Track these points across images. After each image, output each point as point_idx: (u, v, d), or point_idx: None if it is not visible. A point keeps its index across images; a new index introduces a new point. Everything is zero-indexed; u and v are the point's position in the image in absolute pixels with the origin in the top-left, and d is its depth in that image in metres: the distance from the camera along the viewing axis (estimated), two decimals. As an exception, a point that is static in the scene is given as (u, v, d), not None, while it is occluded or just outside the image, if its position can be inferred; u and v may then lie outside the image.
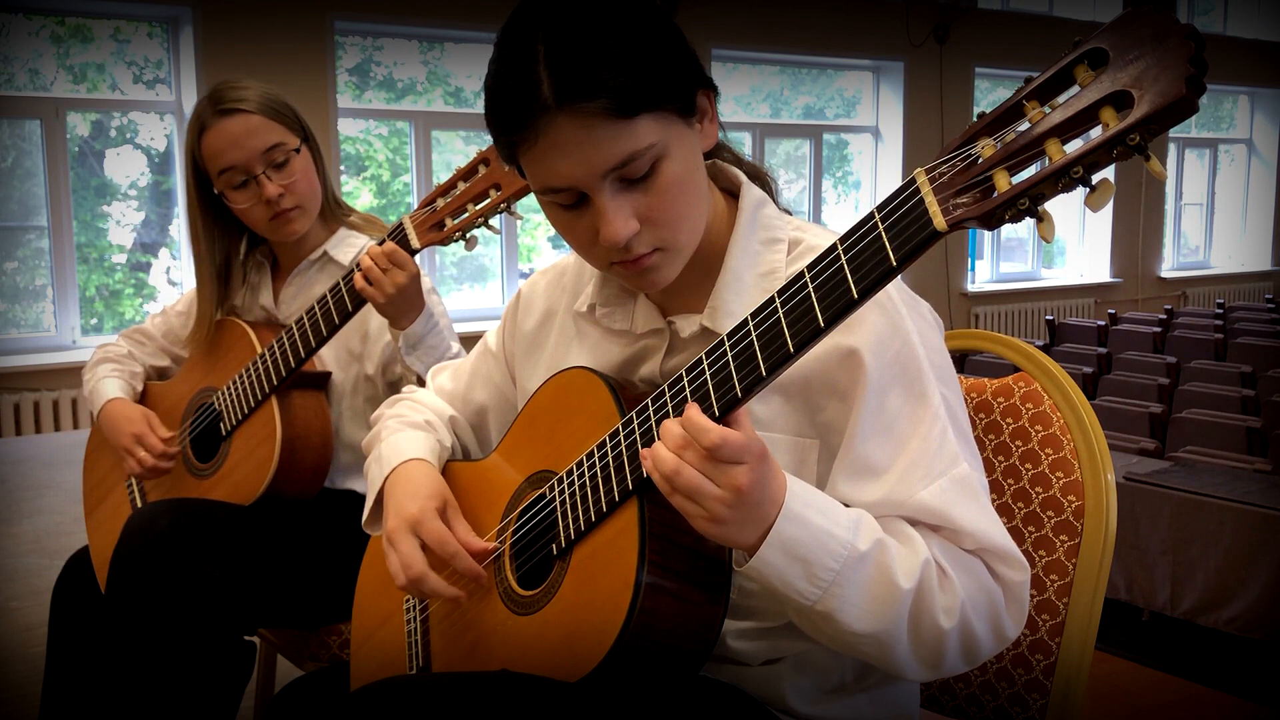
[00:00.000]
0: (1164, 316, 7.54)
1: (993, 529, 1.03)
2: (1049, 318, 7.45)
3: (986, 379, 1.33)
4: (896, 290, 1.06)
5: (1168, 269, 11.01)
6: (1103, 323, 7.16)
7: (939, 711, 1.33)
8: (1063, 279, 10.28)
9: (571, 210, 1.05)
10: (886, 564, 0.98)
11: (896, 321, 1.04)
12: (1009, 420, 1.28)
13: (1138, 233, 10.42)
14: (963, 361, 5.31)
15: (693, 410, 0.95)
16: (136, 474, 1.89)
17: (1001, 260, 9.90)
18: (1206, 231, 11.70)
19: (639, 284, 1.10)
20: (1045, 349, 6.28)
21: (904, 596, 0.97)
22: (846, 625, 0.97)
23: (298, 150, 1.82)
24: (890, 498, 1.03)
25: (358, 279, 1.67)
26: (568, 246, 1.12)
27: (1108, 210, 9.88)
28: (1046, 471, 1.24)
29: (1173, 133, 10.58)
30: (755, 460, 0.93)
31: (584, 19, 0.99)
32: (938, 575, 1.00)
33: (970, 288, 9.32)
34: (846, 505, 1.05)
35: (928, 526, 1.03)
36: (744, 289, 1.11)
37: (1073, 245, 10.40)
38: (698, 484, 0.93)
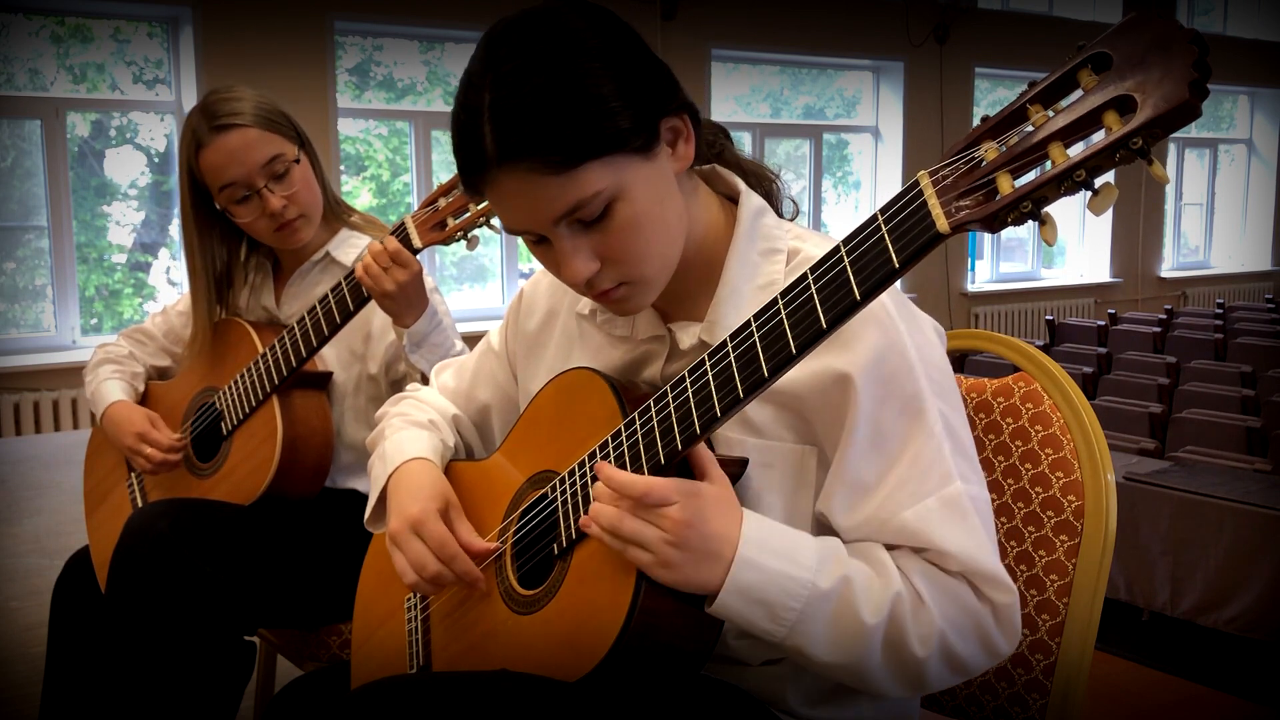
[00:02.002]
0: (1164, 316, 7.54)
1: (978, 552, 1.02)
2: (1049, 318, 7.45)
3: (986, 379, 1.33)
4: (895, 305, 1.06)
5: (1168, 269, 11.01)
6: (1103, 323, 7.16)
7: (939, 711, 1.33)
8: (1063, 279, 10.28)
9: (539, 246, 1.07)
10: (851, 600, 0.99)
11: (893, 337, 1.03)
12: (1009, 420, 1.28)
13: (1138, 233, 10.42)
14: (963, 361, 5.31)
15: (606, 469, 1.00)
16: (146, 470, 1.89)
17: (1001, 260, 9.90)
18: (1206, 231, 11.70)
19: (614, 311, 1.11)
20: (1045, 349, 6.28)
21: (870, 632, 0.99)
22: (816, 658, 1.00)
23: (297, 160, 1.82)
24: (875, 516, 1.03)
25: (358, 269, 1.67)
26: None
27: (1104, 213, 9.87)
28: (1046, 471, 1.24)
29: (1171, 134, 10.57)
30: (685, 498, 0.97)
31: (532, 68, 0.97)
32: (912, 604, 1.00)
33: (970, 288, 9.32)
34: (835, 521, 1.06)
35: (910, 549, 1.03)
36: (742, 302, 1.11)
37: (1073, 245, 10.40)
38: (639, 530, 0.97)
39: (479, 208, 1.65)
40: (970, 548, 1.01)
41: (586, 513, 1.07)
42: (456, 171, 1.60)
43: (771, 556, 0.98)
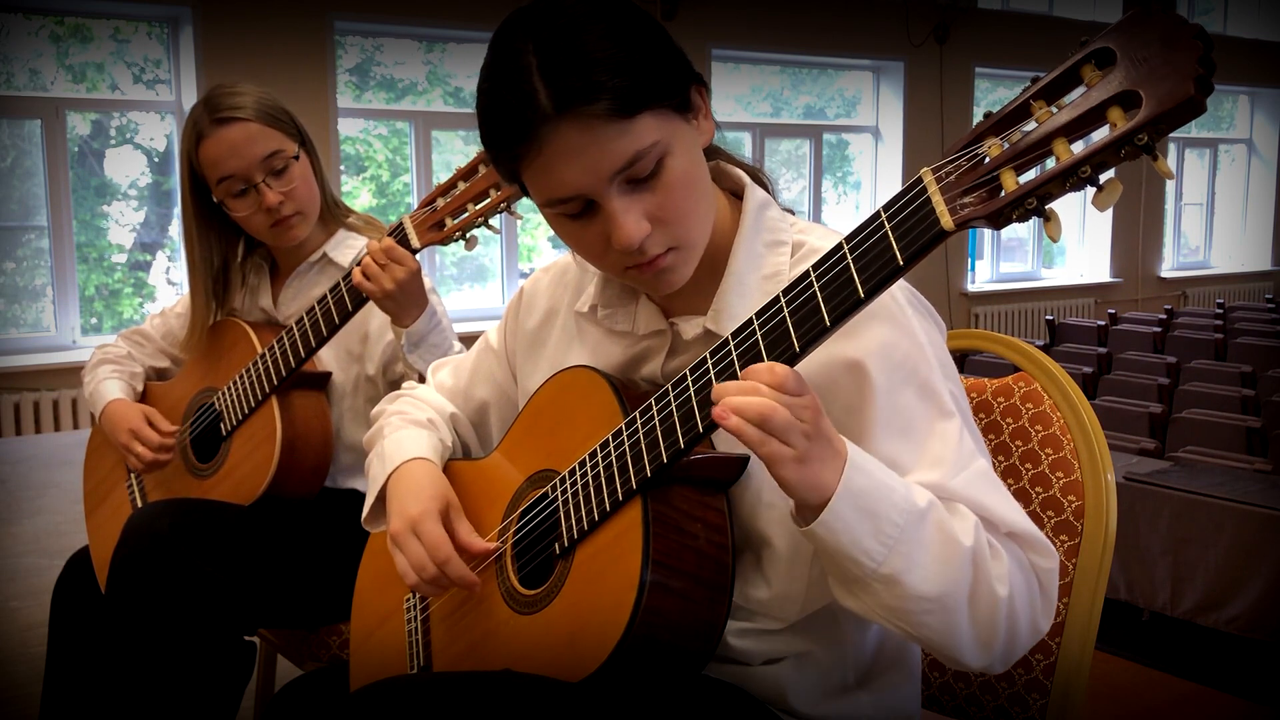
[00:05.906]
0: (1164, 316, 7.54)
1: (1020, 517, 1.02)
2: (1049, 318, 7.45)
3: (986, 379, 1.33)
4: (899, 288, 1.06)
5: (1168, 269, 11.01)
6: (1103, 323, 7.16)
7: (939, 711, 1.33)
8: (1063, 279, 10.28)
9: (579, 220, 1.05)
10: (945, 521, 0.97)
11: (902, 322, 1.04)
12: (1009, 420, 1.28)
13: (1138, 233, 10.42)
14: (963, 361, 5.31)
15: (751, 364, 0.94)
16: (137, 469, 1.89)
17: (1002, 260, 9.90)
18: (1206, 231, 11.70)
19: (655, 286, 1.09)
20: (1045, 349, 6.28)
21: (965, 554, 0.96)
22: (912, 587, 0.94)
23: (296, 157, 1.82)
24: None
25: (355, 273, 1.67)
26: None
27: (1108, 209, 9.87)
28: (1046, 471, 1.24)
29: (1173, 132, 10.55)
30: (812, 390, 0.93)
31: (571, 26, 0.99)
32: (987, 541, 0.99)
33: (970, 288, 9.32)
34: None
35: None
36: (747, 292, 1.11)
37: (1073, 245, 10.40)
38: (788, 420, 0.90)
39: (477, 208, 1.65)
40: (1013, 514, 1.02)
41: (587, 509, 1.07)
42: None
43: (874, 465, 0.95)
